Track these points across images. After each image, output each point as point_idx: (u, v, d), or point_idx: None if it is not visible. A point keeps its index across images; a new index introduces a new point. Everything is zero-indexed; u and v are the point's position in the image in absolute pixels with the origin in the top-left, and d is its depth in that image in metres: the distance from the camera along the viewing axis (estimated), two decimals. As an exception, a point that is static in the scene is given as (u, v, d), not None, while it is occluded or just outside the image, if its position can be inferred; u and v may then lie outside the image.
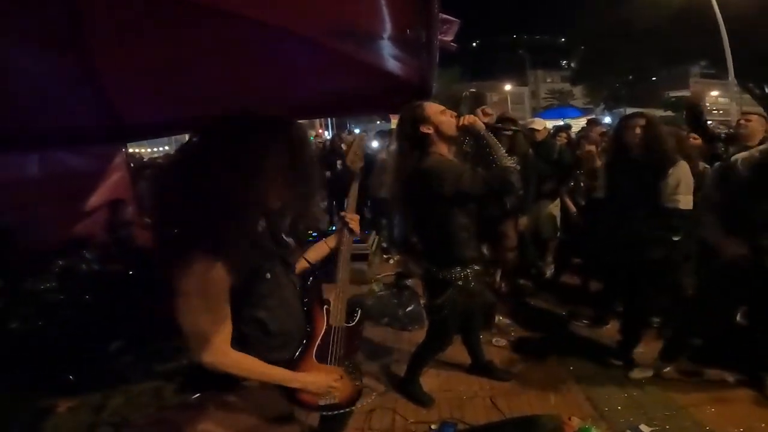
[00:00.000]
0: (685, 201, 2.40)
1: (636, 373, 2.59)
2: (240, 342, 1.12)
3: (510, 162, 1.89)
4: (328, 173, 6.16)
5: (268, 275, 1.15)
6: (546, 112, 24.04)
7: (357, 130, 16.88)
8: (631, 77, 26.29)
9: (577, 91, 35.81)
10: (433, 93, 2.56)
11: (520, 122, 5.33)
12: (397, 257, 5.00)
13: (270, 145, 1.08)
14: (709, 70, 27.45)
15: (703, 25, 14.48)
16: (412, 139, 1.98)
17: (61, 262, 2.99)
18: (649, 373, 2.57)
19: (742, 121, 3.06)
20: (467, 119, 1.95)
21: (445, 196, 1.91)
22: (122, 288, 3.02)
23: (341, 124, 22.09)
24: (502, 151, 1.91)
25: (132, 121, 3.37)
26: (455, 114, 1.99)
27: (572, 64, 34.64)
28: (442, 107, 2.02)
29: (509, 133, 2.96)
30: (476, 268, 2.12)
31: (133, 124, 3.43)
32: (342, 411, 1.39)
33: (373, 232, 5.01)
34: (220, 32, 2.21)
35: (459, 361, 2.76)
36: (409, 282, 3.99)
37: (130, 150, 5.28)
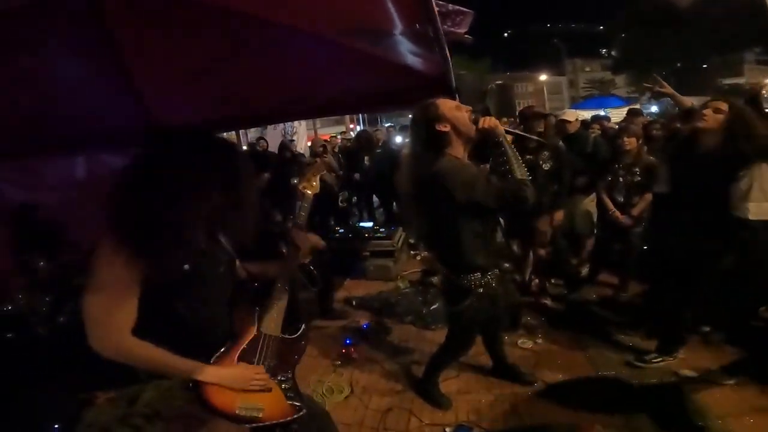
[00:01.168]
0: (757, 210, 2.08)
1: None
2: (156, 337, 1.12)
3: (526, 174, 1.79)
4: (357, 175, 6.19)
5: (187, 267, 1.14)
6: (586, 102, 23.00)
7: (387, 124, 16.87)
8: (679, 65, 24.92)
9: (620, 80, 34.41)
10: (463, 86, 2.50)
11: (558, 113, 5.15)
12: (424, 253, 4.97)
13: (209, 165, 1.14)
14: (765, 57, 25.57)
15: (754, 10, 13.55)
16: (427, 139, 1.88)
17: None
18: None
19: None
20: (488, 122, 1.83)
21: (456, 203, 1.81)
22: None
23: (372, 119, 22.20)
24: (519, 162, 1.80)
25: (166, 122, 3.52)
26: (470, 108, 1.89)
27: (613, 53, 33.13)
28: (456, 103, 1.92)
29: (534, 140, 2.86)
30: (499, 270, 2.04)
31: (167, 126, 3.58)
32: (265, 424, 1.26)
33: (400, 228, 5.00)
34: (243, 35, 2.26)
35: (481, 363, 2.72)
36: (435, 279, 3.96)
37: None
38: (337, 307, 3.83)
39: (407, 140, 5.69)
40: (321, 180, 1.68)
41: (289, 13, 1.72)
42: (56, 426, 2.15)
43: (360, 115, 19.43)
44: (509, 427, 2.20)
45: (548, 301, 3.65)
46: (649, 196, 3.26)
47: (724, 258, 2.20)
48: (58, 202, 3.13)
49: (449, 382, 2.57)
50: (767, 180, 2.06)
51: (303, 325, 1.45)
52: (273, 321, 1.35)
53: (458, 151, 1.88)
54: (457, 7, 2.32)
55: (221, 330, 1.27)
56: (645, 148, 3.53)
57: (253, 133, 10.24)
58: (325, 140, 7.98)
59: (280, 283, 1.43)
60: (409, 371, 2.76)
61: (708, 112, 2.12)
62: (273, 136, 8.56)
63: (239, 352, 1.25)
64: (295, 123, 9.65)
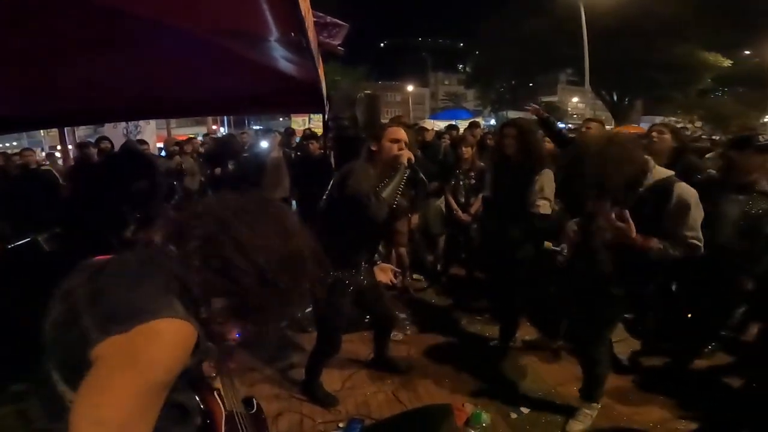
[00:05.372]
0: (545, 206, 2.64)
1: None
2: None
3: (392, 201, 2.12)
4: (218, 170, 5.83)
5: None
6: (442, 114, 25.47)
7: (256, 127, 16.18)
8: (513, 82, 29.14)
9: (470, 93, 38.67)
10: (338, 92, 2.60)
11: (420, 122, 5.62)
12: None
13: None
14: (574, 78, 31.57)
15: (574, 35, 16.44)
16: (367, 151, 2.26)
17: None
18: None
19: (583, 129, 3.47)
20: (405, 152, 2.16)
21: (344, 197, 2.09)
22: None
23: (239, 121, 20.96)
24: (396, 190, 2.13)
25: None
26: (404, 147, 2.20)
27: (467, 69, 37.24)
28: (399, 138, 2.20)
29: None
30: (361, 270, 2.26)
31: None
32: None
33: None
34: (93, 24, 1.96)
35: (359, 357, 2.84)
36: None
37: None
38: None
39: (271, 145, 5.61)
40: (181, 188, 1.54)
41: (154, 8, 1.58)
42: None
43: (225, 117, 18.14)
44: (394, 414, 2.29)
45: (412, 294, 4.00)
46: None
47: (527, 246, 2.80)
48: None
49: (334, 380, 2.61)
50: (552, 184, 2.70)
51: (255, 400, 1.19)
52: (232, 396, 1.05)
53: (377, 166, 2.21)
54: (334, 20, 2.42)
55: (198, 413, 0.93)
56: (479, 155, 4.12)
57: (82, 131, 8.66)
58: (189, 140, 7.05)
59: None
60: (292, 375, 2.72)
61: (508, 140, 2.76)
62: (114, 135, 7.28)
63: None
64: (141, 121, 8.39)
